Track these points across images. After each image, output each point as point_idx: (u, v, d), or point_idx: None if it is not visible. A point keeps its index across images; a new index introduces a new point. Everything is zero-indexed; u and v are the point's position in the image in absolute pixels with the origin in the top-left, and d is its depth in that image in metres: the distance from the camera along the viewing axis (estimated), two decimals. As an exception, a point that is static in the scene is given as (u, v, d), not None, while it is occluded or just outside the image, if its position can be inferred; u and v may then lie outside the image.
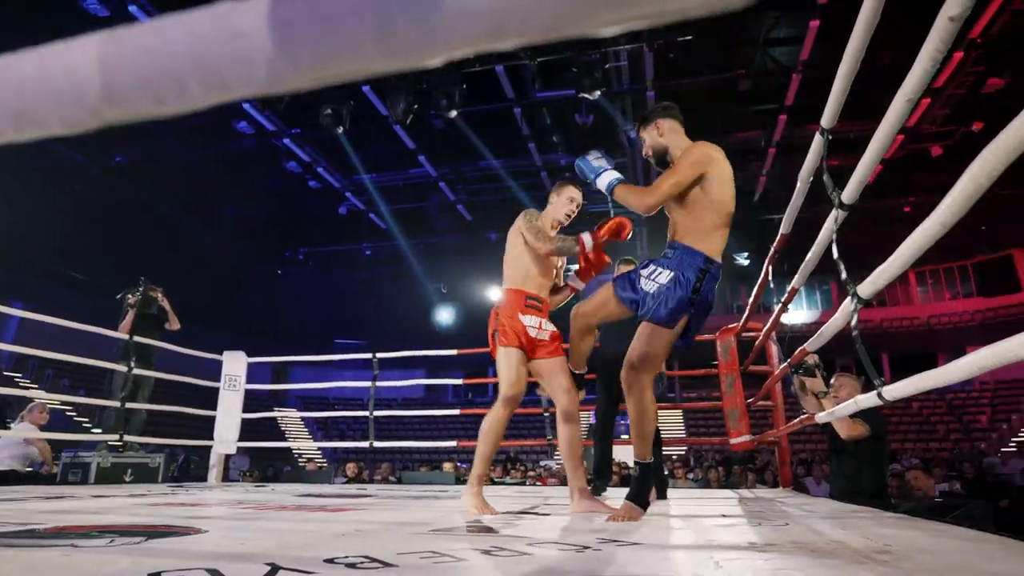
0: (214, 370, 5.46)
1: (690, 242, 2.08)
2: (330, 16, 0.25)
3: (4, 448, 5.16)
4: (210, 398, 5.46)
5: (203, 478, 5.46)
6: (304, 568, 1.07)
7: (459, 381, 5.93)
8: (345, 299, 23.38)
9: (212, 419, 5.34)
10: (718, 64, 12.66)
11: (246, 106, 12.94)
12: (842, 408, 1.95)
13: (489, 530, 1.77)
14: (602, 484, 3.70)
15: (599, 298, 2.34)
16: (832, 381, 3.50)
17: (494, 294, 23.56)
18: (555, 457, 14.23)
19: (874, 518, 2.13)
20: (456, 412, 5.62)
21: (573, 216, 2.72)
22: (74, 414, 14.19)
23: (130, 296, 5.23)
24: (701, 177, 2.05)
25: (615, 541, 1.52)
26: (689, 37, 8.16)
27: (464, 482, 6.42)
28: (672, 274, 2.06)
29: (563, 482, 8.04)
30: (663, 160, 2.23)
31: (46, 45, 0.31)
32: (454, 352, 5.51)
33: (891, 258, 1.38)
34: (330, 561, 1.15)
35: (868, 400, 1.60)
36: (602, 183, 2.21)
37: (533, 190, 17.22)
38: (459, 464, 11.62)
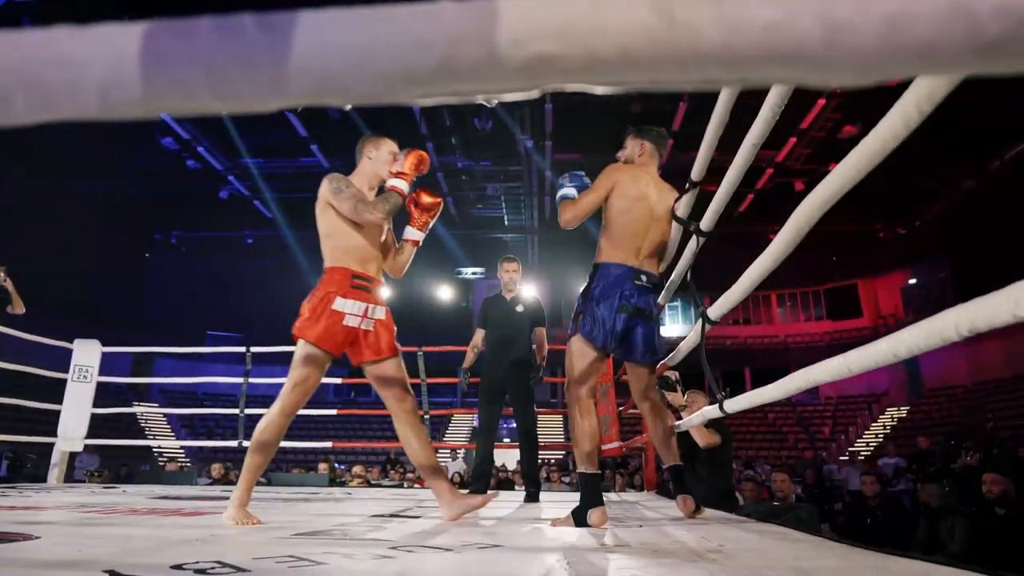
0: (62, 359, 4.94)
1: (597, 261, 2.26)
2: (162, 56, 0.26)
3: None
4: (56, 390, 4.94)
5: (42, 478, 4.92)
6: (146, 575, 1.02)
7: (339, 380, 5.75)
8: (221, 289, 21.91)
9: (56, 413, 4.83)
10: (614, 86, 13.29)
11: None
12: (694, 418, 2.14)
13: (356, 536, 1.76)
14: (479, 487, 3.77)
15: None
16: (685, 396, 3.82)
17: (385, 291, 23.05)
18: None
19: (719, 521, 2.34)
20: (333, 412, 5.47)
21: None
22: None
23: None
24: (609, 197, 2.21)
25: (477, 544, 1.57)
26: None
27: (341, 484, 6.25)
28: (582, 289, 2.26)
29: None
30: None
31: None
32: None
33: (735, 284, 1.55)
34: (178, 567, 1.10)
35: (712, 411, 1.77)
36: (559, 192, 2.33)
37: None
38: (337, 465, 11.27)
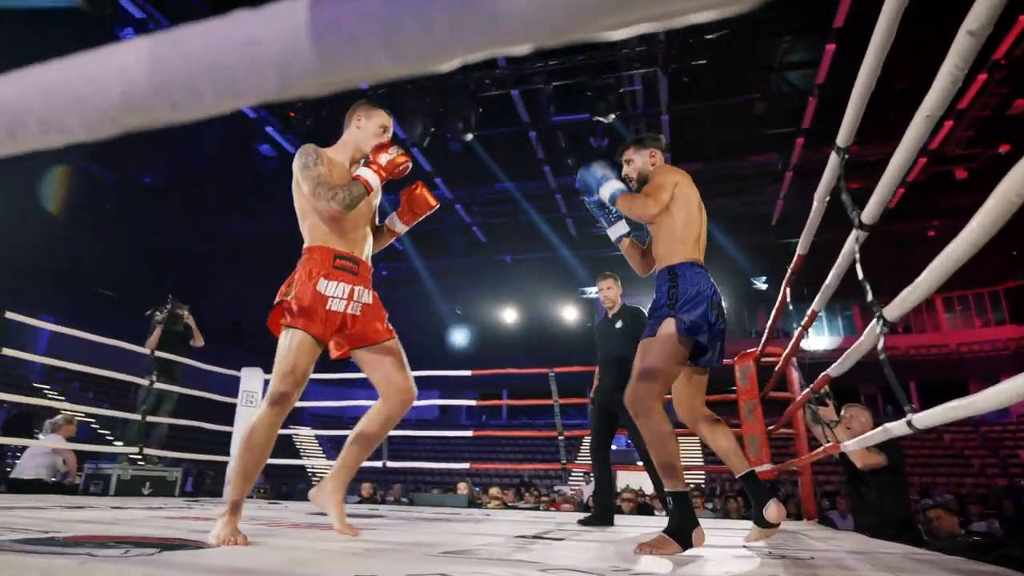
0: (233, 386, 5.52)
1: (658, 267, 2.23)
2: (338, 22, 0.25)
3: (32, 457, 5.25)
4: (228, 414, 5.52)
5: (219, 493, 5.47)
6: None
7: (473, 402, 5.88)
8: (362, 320, 23.50)
9: (229, 435, 5.39)
10: (732, 88, 12.70)
11: (268, 129, 13.21)
12: (870, 436, 1.90)
13: (502, 557, 1.75)
14: (600, 516, 3.62)
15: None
16: (843, 412, 3.47)
17: (509, 315, 23.68)
18: (569, 482, 14.06)
19: (904, 555, 2.05)
20: (469, 434, 5.59)
21: None
22: (97, 427, 14.38)
23: (157, 313, 5.40)
24: (673, 195, 2.17)
25: (628, 569, 1.49)
26: (703, 61, 8.19)
27: (478, 506, 6.36)
28: (654, 297, 2.18)
29: (578, 508, 7.93)
30: (645, 185, 2.29)
31: (71, 56, 0.32)
32: (468, 373, 5.50)
33: (918, 280, 1.35)
34: (339, 580, 1.14)
35: (898, 428, 1.56)
36: (606, 192, 2.25)
37: (547, 212, 17.28)
38: (476, 488, 11.54)
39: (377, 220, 2.30)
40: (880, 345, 1.53)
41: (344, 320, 2.03)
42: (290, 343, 1.94)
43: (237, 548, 1.65)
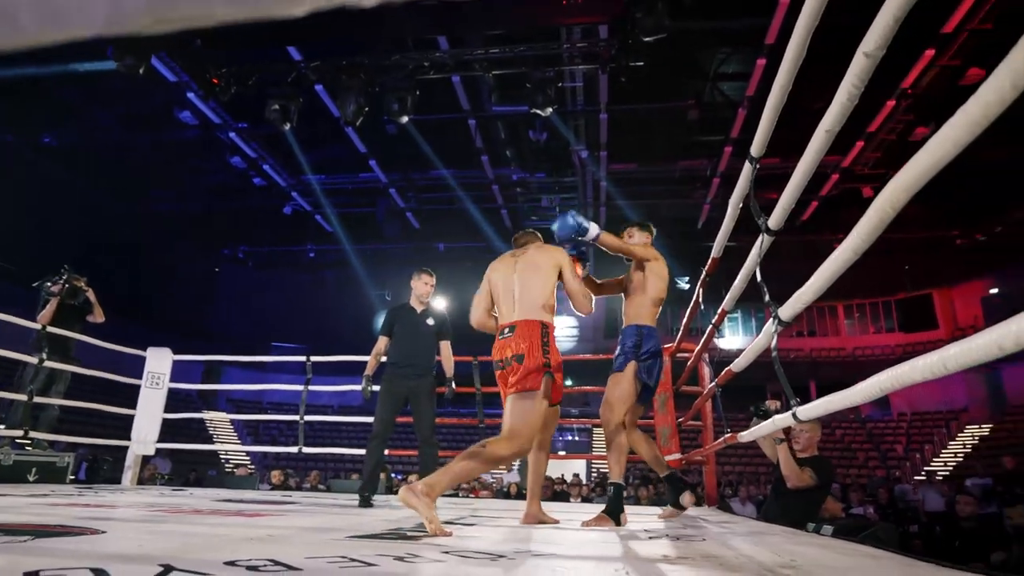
0: (136, 367, 5.20)
1: (628, 323, 2.95)
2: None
3: None
4: (131, 396, 5.20)
5: (117, 481, 5.16)
6: (201, 570, 1.02)
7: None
8: (285, 302, 22.71)
9: (130, 418, 5.08)
10: (670, 93, 13.08)
11: (191, 95, 12.46)
12: (761, 428, 2.02)
13: (407, 537, 1.74)
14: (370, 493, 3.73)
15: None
16: (794, 426, 3.53)
17: (439, 304, 23.36)
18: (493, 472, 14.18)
19: (787, 537, 2.21)
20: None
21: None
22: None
23: (51, 285, 4.88)
24: (646, 266, 2.92)
25: (532, 552, 1.52)
26: (640, 63, 8.38)
27: (395, 492, 6.28)
28: (621, 341, 2.93)
29: (497, 495, 7.99)
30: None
31: None
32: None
33: (808, 282, 1.44)
34: (231, 563, 1.10)
35: (783, 420, 1.66)
36: (592, 233, 2.70)
37: (484, 202, 17.24)
38: (394, 475, 11.40)
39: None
40: (774, 343, 1.62)
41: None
42: (540, 405, 2.34)
43: (127, 534, 1.57)
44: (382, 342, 3.96)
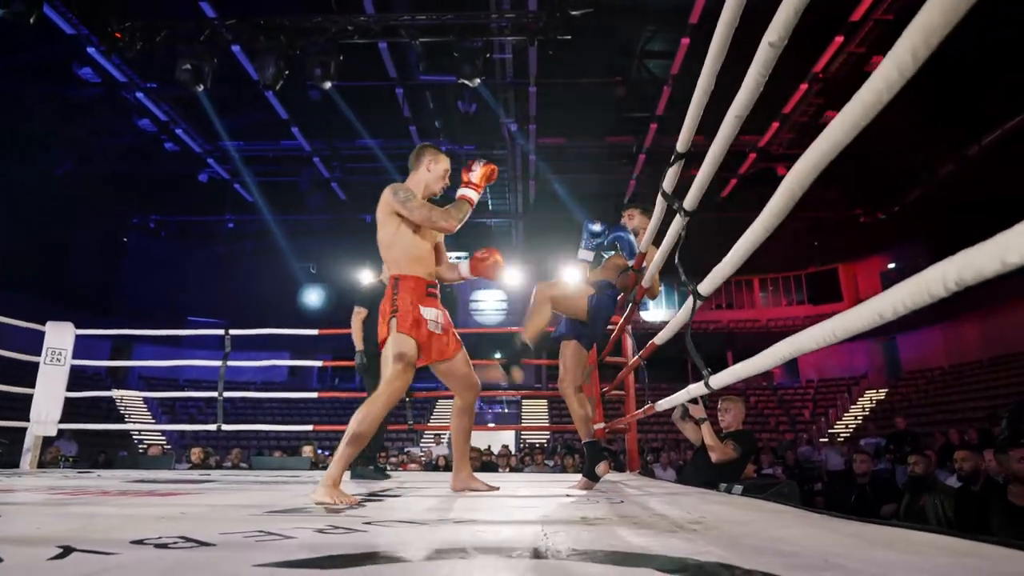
0: (33, 343, 4.82)
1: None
2: None
3: None
4: (28, 374, 4.82)
5: (15, 464, 4.81)
6: (104, 550, 0.98)
7: (321, 363, 5.68)
8: (202, 275, 21.57)
9: (29, 398, 4.72)
10: (597, 69, 13.20)
11: (91, 50, 11.44)
12: (676, 397, 2.12)
13: (333, 511, 1.73)
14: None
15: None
16: (719, 404, 3.65)
17: (366, 276, 22.95)
18: (420, 444, 14.18)
19: (700, 497, 2.35)
20: (314, 395, 5.40)
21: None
22: None
23: None
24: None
25: (454, 519, 1.55)
26: (568, 37, 8.39)
27: (323, 468, 6.20)
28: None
29: (424, 468, 8.03)
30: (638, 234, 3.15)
31: None
32: (315, 332, 5.29)
33: (725, 258, 1.51)
34: (138, 542, 1.06)
35: (697, 388, 1.75)
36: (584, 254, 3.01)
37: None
38: (320, 451, 11.22)
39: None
40: (689, 317, 1.69)
41: (432, 338, 2.33)
42: (402, 346, 2.23)
43: (24, 517, 1.47)
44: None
